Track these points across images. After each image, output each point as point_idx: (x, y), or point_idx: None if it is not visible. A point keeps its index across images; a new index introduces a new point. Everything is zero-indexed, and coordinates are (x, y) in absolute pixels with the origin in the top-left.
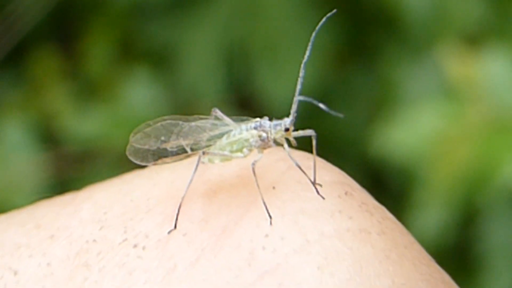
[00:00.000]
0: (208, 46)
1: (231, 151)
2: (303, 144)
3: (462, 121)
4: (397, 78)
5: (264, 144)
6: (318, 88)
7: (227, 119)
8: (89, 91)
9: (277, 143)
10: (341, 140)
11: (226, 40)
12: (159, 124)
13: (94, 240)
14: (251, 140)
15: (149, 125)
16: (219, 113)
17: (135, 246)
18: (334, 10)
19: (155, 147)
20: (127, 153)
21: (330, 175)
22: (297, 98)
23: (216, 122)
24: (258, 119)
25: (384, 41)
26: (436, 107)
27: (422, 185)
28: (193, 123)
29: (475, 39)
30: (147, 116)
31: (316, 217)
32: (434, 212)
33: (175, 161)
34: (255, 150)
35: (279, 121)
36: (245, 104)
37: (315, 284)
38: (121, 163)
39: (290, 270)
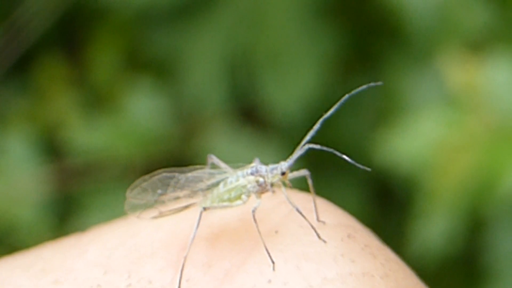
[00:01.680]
0: (211, 56)
1: (230, 199)
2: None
3: (465, 129)
4: (401, 86)
5: (261, 189)
6: (322, 97)
7: (223, 165)
8: (94, 101)
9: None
10: (345, 150)
11: (230, 50)
12: (155, 178)
13: (99, 285)
14: (248, 186)
15: (145, 180)
16: (215, 159)
17: None
18: (380, 83)
19: (152, 201)
20: (125, 208)
21: (333, 217)
22: (308, 146)
23: (212, 171)
24: (253, 164)
25: (388, 50)
26: (439, 115)
27: (426, 194)
28: (189, 174)
29: (478, 46)
30: (151, 127)
31: (319, 262)
32: (439, 221)
33: (174, 213)
34: (253, 196)
35: (275, 165)
36: (249, 114)
37: None
38: (125, 176)
39: None
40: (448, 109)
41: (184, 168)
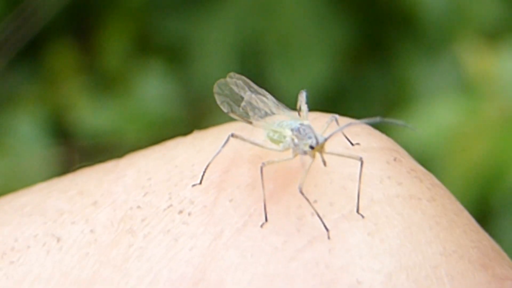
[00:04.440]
0: (222, 42)
1: (271, 138)
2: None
3: (478, 117)
4: (413, 75)
5: (296, 149)
6: (334, 85)
7: (303, 107)
8: (104, 85)
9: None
10: None
11: (240, 35)
12: (234, 79)
13: (139, 206)
14: (287, 138)
15: (231, 77)
16: (302, 97)
17: (180, 212)
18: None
19: (229, 99)
20: (214, 90)
21: (378, 141)
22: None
23: (275, 105)
24: (306, 122)
25: (400, 38)
26: (452, 103)
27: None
28: (253, 95)
29: (493, 35)
30: (160, 111)
31: (365, 183)
32: None
33: (239, 120)
34: (291, 151)
35: (314, 135)
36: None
37: (365, 250)
38: None
39: (340, 236)
40: (462, 98)
41: (258, 88)
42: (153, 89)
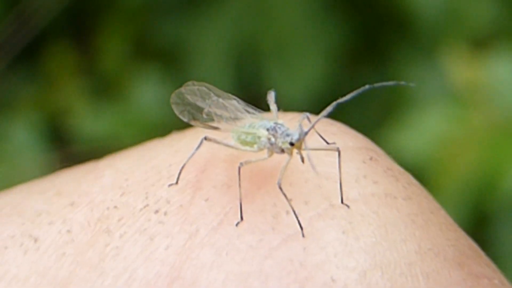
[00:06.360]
0: (218, 45)
1: (244, 141)
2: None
3: (469, 125)
4: (408, 80)
5: (272, 147)
6: (328, 87)
7: (272, 106)
8: (101, 88)
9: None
10: None
11: (236, 39)
12: (196, 87)
13: (115, 207)
14: (262, 139)
15: (189, 86)
16: (271, 97)
17: (156, 211)
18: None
19: (190, 107)
20: (171, 101)
21: (354, 140)
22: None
23: (248, 108)
24: (280, 121)
25: (396, 42)
26: (444, 111)
27: (429, 190)
28: (221, 99)
29: (482, 43)
30: (157, 116)
31: (341, 182)
32: None
33: (204, 127)
34: (265, 151)
35: (291, 132)
36: (255, 103)
37: (340, 248)
38: None
39: (315, 234)
40: (452, 105)
41: (223, 92)
42: (150, 93)
